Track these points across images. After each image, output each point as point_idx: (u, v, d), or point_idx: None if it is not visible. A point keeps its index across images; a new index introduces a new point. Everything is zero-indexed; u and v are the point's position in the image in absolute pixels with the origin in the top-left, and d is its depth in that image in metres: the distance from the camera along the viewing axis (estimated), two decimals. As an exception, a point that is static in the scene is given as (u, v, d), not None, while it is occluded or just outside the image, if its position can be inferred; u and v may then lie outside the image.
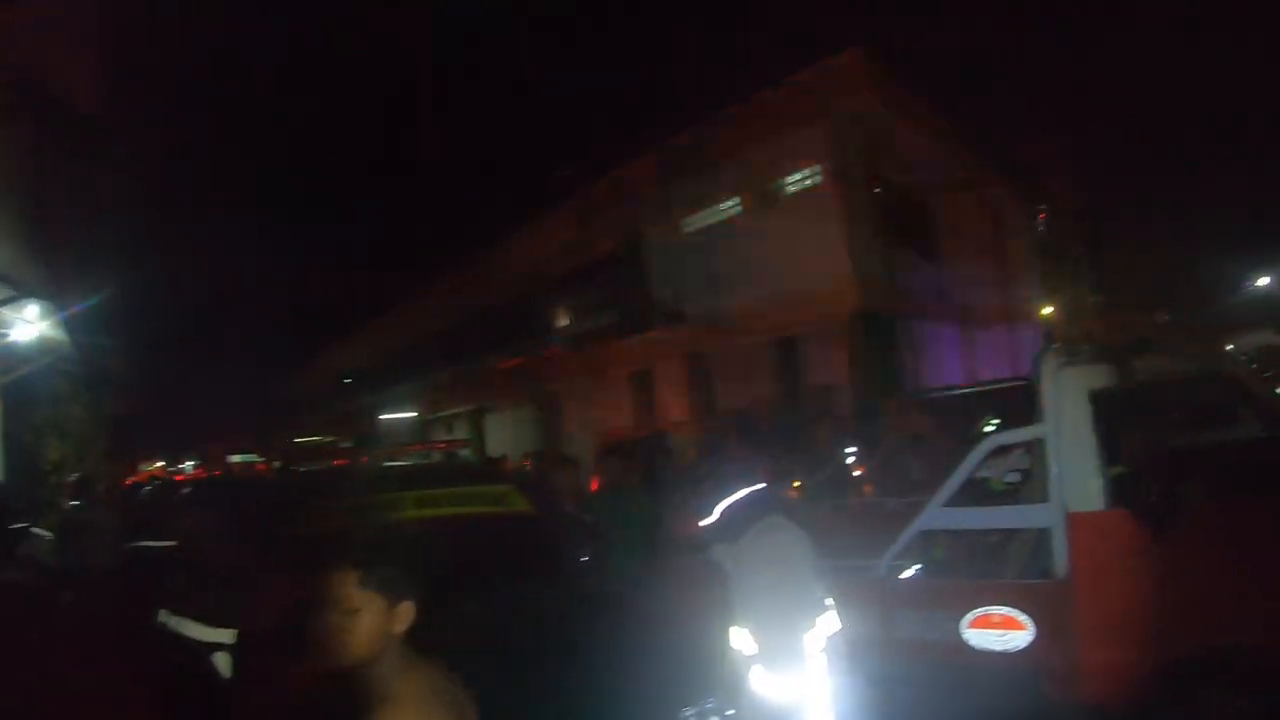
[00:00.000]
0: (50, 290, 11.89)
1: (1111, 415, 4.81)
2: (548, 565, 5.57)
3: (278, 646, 3.29)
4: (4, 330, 14.18)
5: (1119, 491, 4.62)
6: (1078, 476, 4.70)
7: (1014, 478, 6.62)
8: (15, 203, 8.26)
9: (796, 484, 4.41)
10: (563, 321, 26.84)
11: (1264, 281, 28.75)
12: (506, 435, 28.23)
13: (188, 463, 34.70)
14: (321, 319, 43.01)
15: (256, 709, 3.52)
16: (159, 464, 32.99)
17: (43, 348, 14.62)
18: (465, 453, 10.16)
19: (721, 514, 3.86)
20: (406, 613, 2.34)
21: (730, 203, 20.11)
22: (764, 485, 3.85)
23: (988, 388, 12.47)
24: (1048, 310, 25.69)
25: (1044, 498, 4.88)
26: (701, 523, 3.88)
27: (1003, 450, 6.00)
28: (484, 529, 5.71)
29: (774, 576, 3.46)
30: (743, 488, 3.78)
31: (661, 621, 5.29)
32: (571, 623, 4.70)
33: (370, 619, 2.30)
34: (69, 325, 13.80)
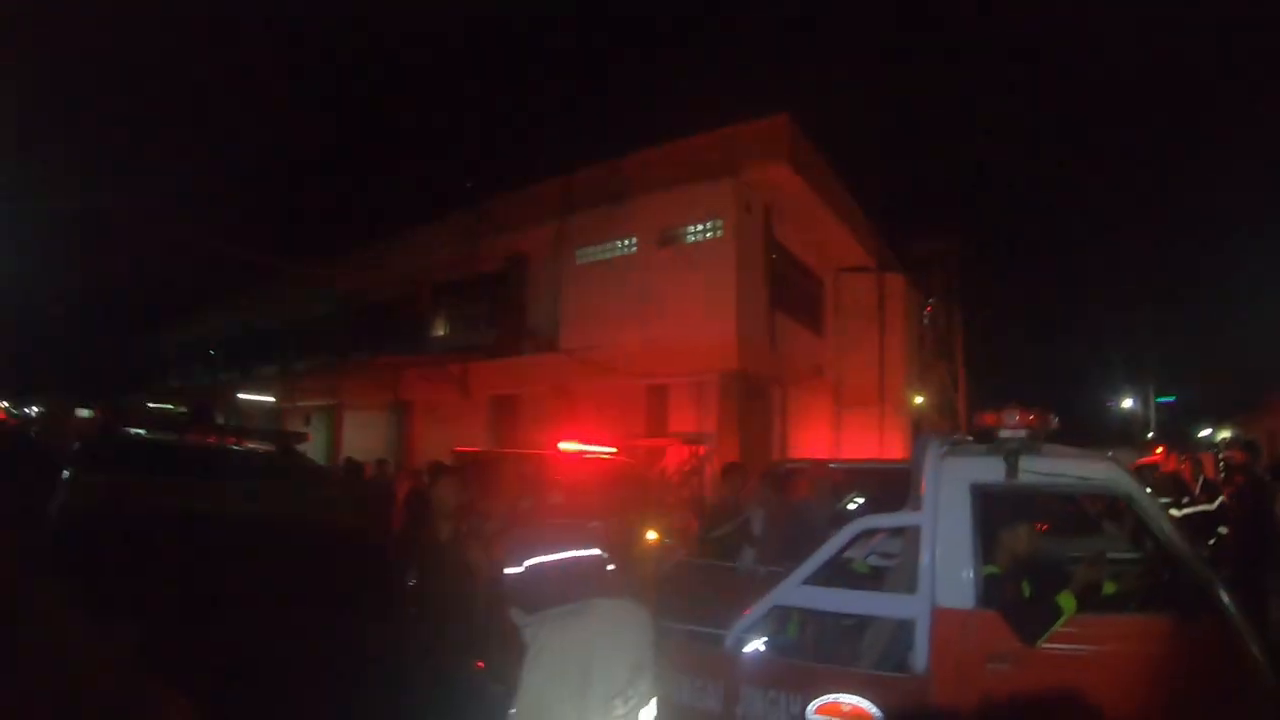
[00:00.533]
0: None
1: (991, 511, 4.61)
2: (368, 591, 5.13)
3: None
4: None
5: (990, 591, 4.40)
6: (950, 570, 4.47)
7: (877, 562, 6.52)
8: None
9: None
10: (436, 331, 26.24)
11: (1127, 403, 29.77)
12: (359, 437, 27.42)
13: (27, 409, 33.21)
14: (197, 276, 41.56)
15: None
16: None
17: None
18: (299, 448, 9.71)
19: (529, 570, 3.21)
20: None
21: (626, 241, 19.91)
22: (596, 552, 3.22)
23: (858, 465, 12.30)
24: (920, 399, 26.28)
25: (911, 588, 4.62)
26: (505, 570, 3.21)
27: (870, 532, 5.78)
28: (304, 537, 5.29)
29: (569, 682, 2.59)
30: (567, 546, 3.12)
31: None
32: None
33: None
34: None
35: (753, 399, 17.73)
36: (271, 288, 34.98)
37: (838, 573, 5.36)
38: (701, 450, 17.60)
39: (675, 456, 18.03)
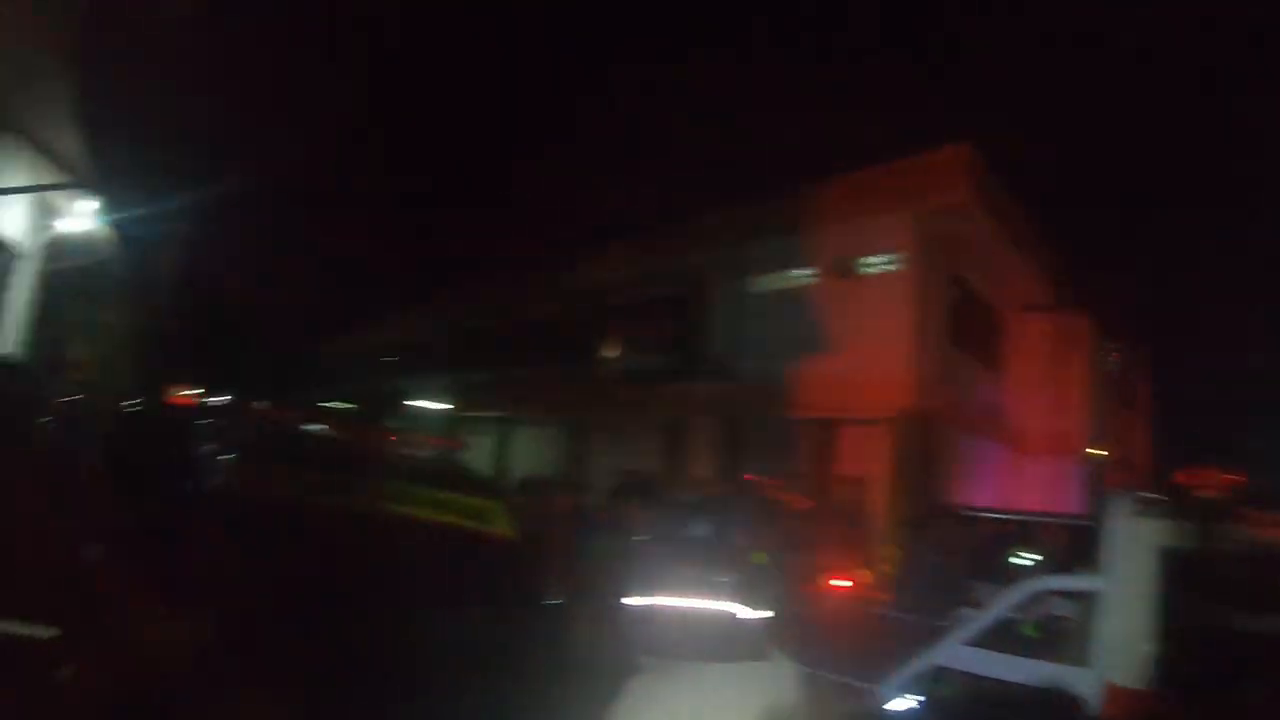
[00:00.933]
0: (109, 190, 11.87)
1: (1178, 580, 4.25)
2: (506, 594, 5.20)
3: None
4: (55, 218, 14.13)
5: (1170, 669, 4.05)
6: (1127, 643, 4.14)
7: (1047, 625, 6.07)
8: (91, 100, 8.05)
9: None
10: (610, 352, 26.48)
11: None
12: (530, 452, 27.89)
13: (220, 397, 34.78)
14: (382, 286, 42.92)
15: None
16: (190, 390, 33.13)
17: (90, 245, 14.54)
18: (459, 455, 10.04)
19: (649, 608, 3.06)
20: None
21: (803, 272, 19.76)
22: (729, 608, 3.02)
23: (1034, 519, 11.89)
24: (1103, 451, 24.88)
25: (1082, 659, 4.30)
26: (627, 598, 3.02)
27: (1044, 594, 5.47)
28: (451, 542, 5.36)
29: None
30: (699, 595, 2.95)
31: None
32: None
33: None
34: (122, 229, 13.80)
35: (924, 441, 17.10)
36: (454, 298, 35.93)
37: (1003, 634, 5.06)
38: (871, 491, 17.25)
39: (844, 495, 17.67)
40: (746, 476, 16.89)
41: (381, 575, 5.11)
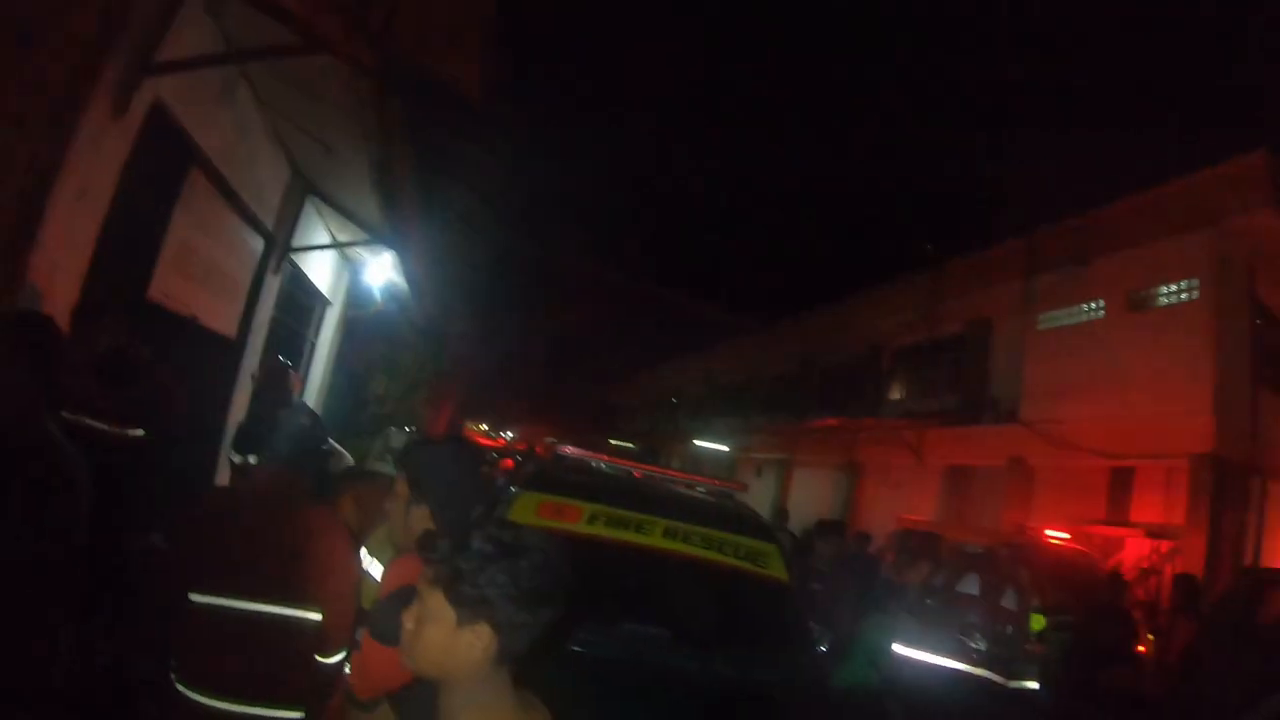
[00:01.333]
0: (404, 243, 12.62)
1: None
2: (782, 643, 5.12)
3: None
4: (357, 268, 15.69)
5: None
6: None
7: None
8: (387, 159, 8.84)
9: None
10: (893, 394, 26.06)
11: None
12: (807, 494, 27.75)
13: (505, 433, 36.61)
14: (659, 333, 44.16)
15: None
16: (481, 426, 34.95)
17: (389, 293, 15.96)
18: (738, 495, 10.05)
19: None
20: (481, 641, 2.00)
21: (1092, 305, 18.53)
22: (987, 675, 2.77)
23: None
24: None
25: None
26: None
27: None
28: (723, 583, 5.34)
29: None
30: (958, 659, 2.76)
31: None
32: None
33: (433, 634, 2.03)
34: (414, 280, 14.84)
35: (1226, 490, 15.36)
36: (735, 344, 36.43)
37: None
38: (1165, 546, 15.70)
39: (1134, 550, 16.23)
40: (1028, 527, 16.11)
41: (658, 609, 5.22)
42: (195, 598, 3.30)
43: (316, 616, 3.37)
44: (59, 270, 5.97)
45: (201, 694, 3.26)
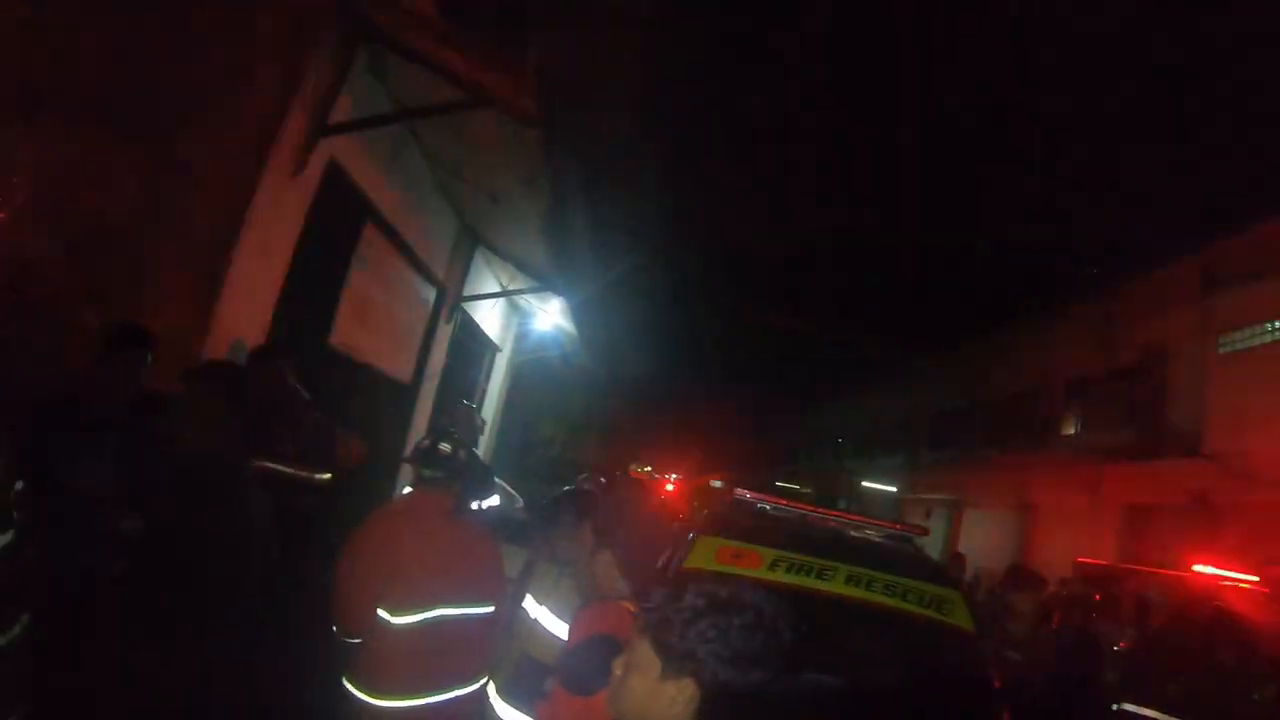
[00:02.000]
0: (573, 293, 13.02)
1: None
2: (965, 697, 4.91)
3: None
4: (525, 315, 16.17)
5: None
6: None
7: None
8: (548, 214, 9.35)
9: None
10: (1066, 430, 24.77)
11: None
12: (978, 535, 26.63)
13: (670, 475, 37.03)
14: (820, 371, 43.73)
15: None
16: (646, 468, 35.23)
17: (557, 340, 16.45)
18: (916, 541, 9.51)
19: None
20: (683, 695, 1.95)
21: (1277, 324, 17.14)
22: None
23: None
24: None
25: None
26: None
27: None
28: (908, 632, 5.17)
29: None
30: None
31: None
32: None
33: (638, 683, 2.01)
34: (581, 326, 15.16)
35: None
36: (900, 379, 35.58)
37: None
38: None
39: None
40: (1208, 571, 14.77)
41: (840, 658, 5.09)
42: (402, 617, 3.75)
43: (494, 608, 4.07)
44: (244, 321, 6.55)
45: (404, 698, 3.75)
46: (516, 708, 3.95)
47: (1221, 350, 18.38)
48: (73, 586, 3.34)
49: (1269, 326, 17.20)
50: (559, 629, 3.87)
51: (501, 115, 6.85)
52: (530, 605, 4.19)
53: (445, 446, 4.25)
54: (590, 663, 2.30)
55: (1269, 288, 16.77)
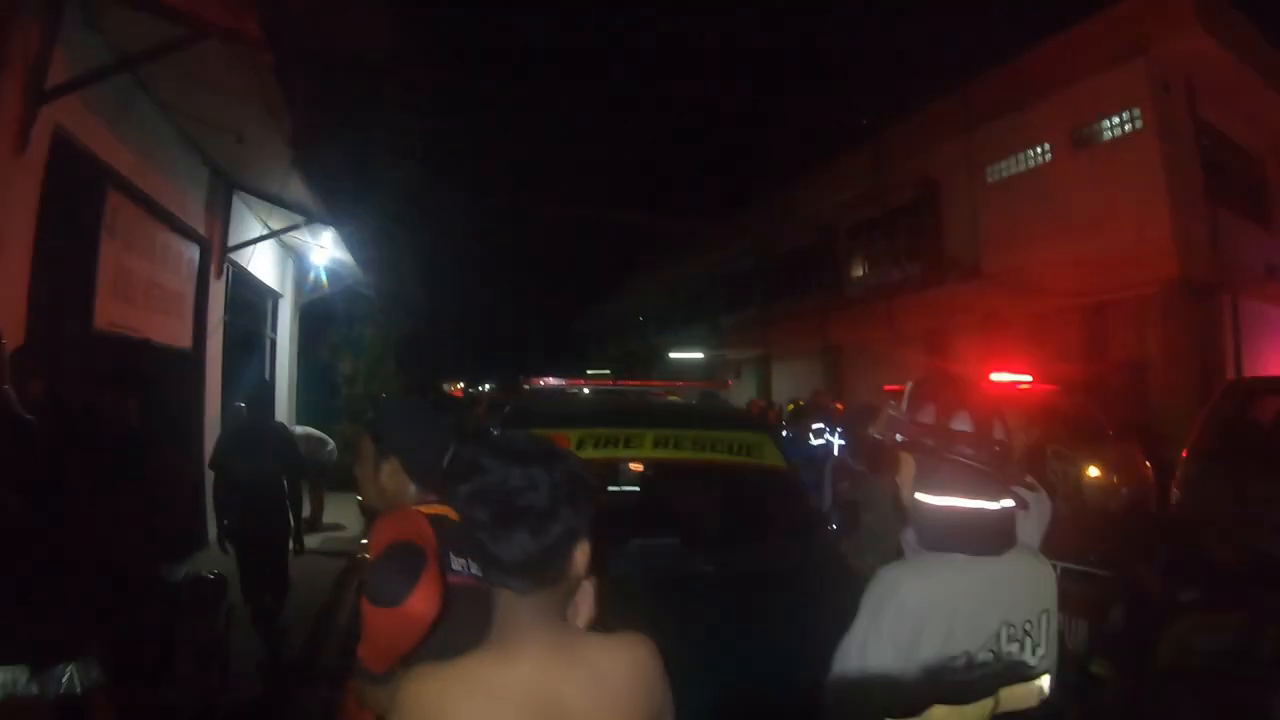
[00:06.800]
0: (342, 220, 12.54)
1: None
2: (791, 530, 5.05)
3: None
4: (300, 253, 15.47)
5: None
6: None
7: None
8: (297, 141, 8.85)
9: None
10: (854, 272, 26.16)
11: None
12: (790, 384, 27.90)
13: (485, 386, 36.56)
14: (612, 256, 44.14)
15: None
16: (459, 385, 34.86)
17: (338, 271, 15.71)
18: (722, 395, 10.10)
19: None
20: None
21: (1037, 150, 18.48)
22: (1007, 504, 2.64)
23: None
24: None
25: None
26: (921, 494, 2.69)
27: None
28: (724, 479, 5.43)
29: (908, 636, 2.26)
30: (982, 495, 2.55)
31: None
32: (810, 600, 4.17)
33: None
34: (359, 251, 14.67)
35: (1198, 312, 15.64)
36: (690, 250, 36.36)
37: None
38: (1144, 374, 16.09)
39: (1116, 381, 16.47)
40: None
41: (664, 518, 5.28)
42: None
43: None
44: (-2, 318, 5.73)
45: None
46: None
47: (990, 180, 19.64)
48: None
49: (1030, 153, 18.53)
50: None
51: (228, 45, 6.38)
52: None
53: None
54: (390, 572, 2.26)
55: (1026, 118, 18.01)
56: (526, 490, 1.67)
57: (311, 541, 11.48)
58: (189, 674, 5.31)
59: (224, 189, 11.61)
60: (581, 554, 1.75)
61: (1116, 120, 16.62)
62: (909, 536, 2.40)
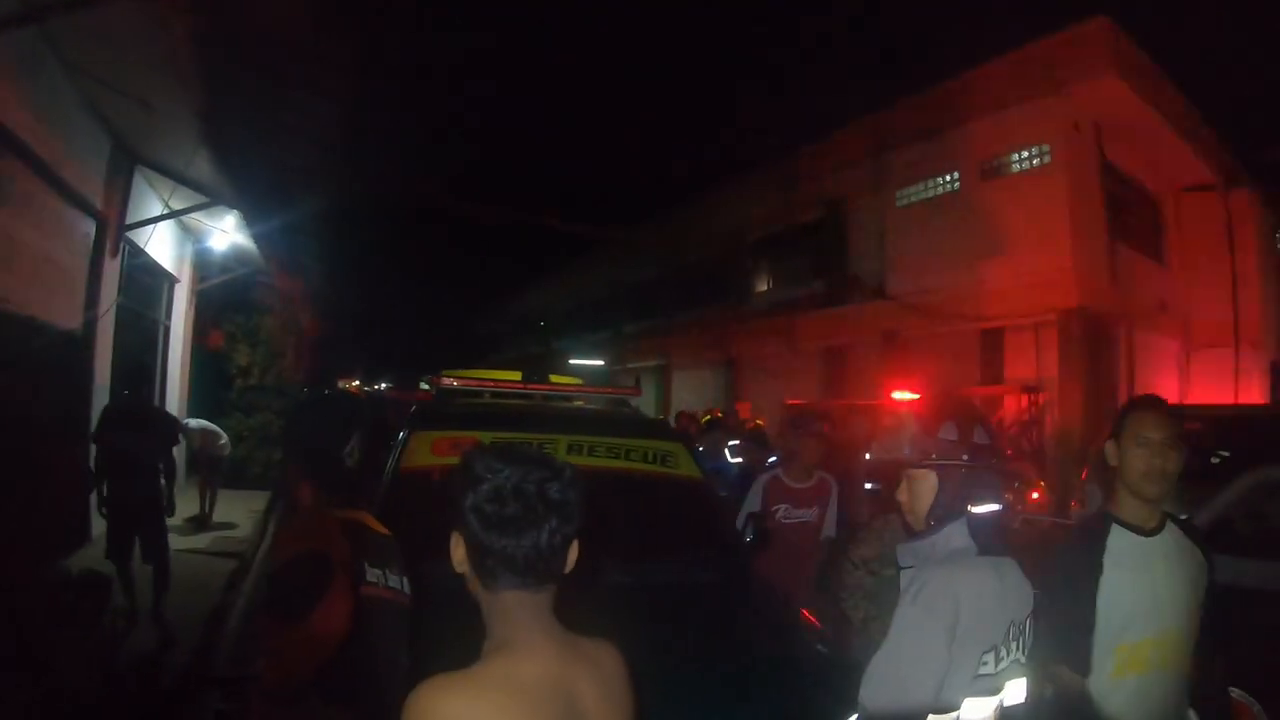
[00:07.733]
0: (248, 205, 12.09)
1: None
2: (706, 541, 5.00)
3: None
4: (200, 237, 14.86)
5: None
6: None
7: None
8: (207, 116, 8.39)
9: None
10: (758, 287, 26.36)
11: None
12: (689, 395, 28.00)
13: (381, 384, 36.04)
14: (517, 258, 43.84)
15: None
16: (354, 382, 34.30)
17: (238, 258, 15.15)
18: (634, 403, 10.26)
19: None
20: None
21: (947, 178, 18.91)
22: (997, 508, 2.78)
23: (1216, 412, 11.14)
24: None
25: None
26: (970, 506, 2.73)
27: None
28: (639, 489, 5.17)
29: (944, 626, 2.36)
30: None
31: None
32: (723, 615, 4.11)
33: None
34: (262, 239, 14.16)
35: (1094, 340, 16.24)
36: (595, 256, 36.31)
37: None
38: (1041, 398, 16.55)
39: (1012, 405, 17.08)
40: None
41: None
42: None
43: None
44: None
45: None
46: None
47: (899, 204, 20.00)
48: None
49: (940, 180, 18.98)
50: None
51: (145, 3, 6.01)
52: None
53: None
54: (294, 584, 2.15)
55: (937, 147, 18.50)
56: (542, 492, 1.72)
57: (201, 541, 11.14)
58: (71, 674, 5.03)
59: (126, 162, 10.95)
60: (573, 554, 1.81)
61: (1026, 154, 17.17)
62: (925, 544, 2.51)
